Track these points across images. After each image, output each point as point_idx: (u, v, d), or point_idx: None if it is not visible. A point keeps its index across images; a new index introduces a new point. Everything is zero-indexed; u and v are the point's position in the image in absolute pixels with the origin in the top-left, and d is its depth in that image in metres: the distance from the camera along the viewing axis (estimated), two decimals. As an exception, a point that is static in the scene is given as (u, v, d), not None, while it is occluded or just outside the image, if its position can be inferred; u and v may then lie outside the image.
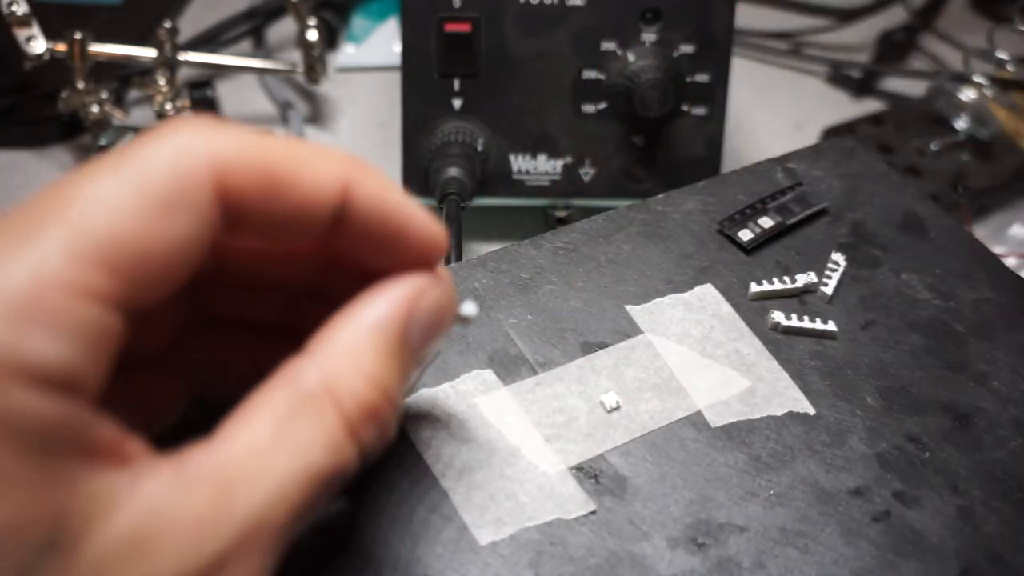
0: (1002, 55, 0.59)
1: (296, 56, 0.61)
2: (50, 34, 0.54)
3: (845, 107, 0.66)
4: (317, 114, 0.65)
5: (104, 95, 0.55)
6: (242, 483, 0.19)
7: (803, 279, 0.35)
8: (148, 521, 0.18)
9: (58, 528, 0.17)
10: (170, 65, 0.57)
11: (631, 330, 0.33)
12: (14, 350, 0.17)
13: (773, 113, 0.66)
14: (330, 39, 0.69)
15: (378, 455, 0.22)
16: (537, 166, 0.51)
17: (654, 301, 0.34)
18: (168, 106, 0.56)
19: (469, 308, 0.26)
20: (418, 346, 0.23)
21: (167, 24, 0.57)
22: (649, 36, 0.49)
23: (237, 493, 0.19)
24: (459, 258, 0.41)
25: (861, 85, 0.67)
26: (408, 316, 0.23)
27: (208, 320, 0.26)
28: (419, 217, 0.24)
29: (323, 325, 0.22)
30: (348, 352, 0.21)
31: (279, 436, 0.20)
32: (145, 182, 0.19)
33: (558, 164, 0.51)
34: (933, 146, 0.58)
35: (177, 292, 0.21)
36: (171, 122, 0.20)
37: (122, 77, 0.63)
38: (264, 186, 0.21)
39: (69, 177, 0.19)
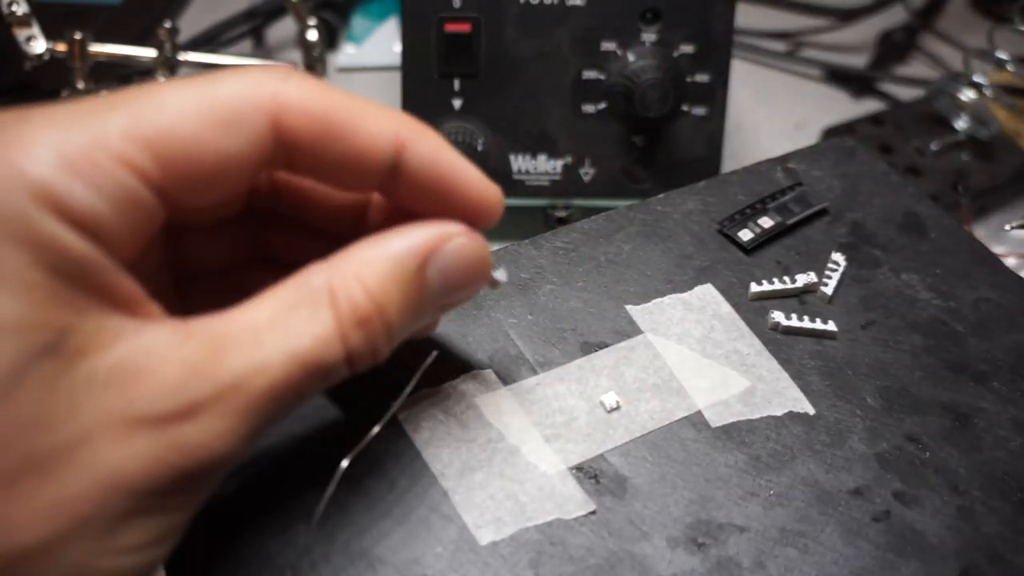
0: (1002, 55, 0.59)
1: (296, 56, 0.61)
2: (50, 34, 0.54)
3: (845, 107, 0.66)
4: (317, 114, 0.65)
5: (104, 95, 0.55)
6: (232, 348, 0.21)
7: (803, 279, 0.35)
8: (140, 359, 0.20)
9: (60, 341, 0.19)
10: (170, 65, 0.57)
11: (631, 330, 0.33)
12: (53, 186, 0.19)
13: (773, 113, 0.66)
14: (330, 39, 0.69)
15: (366, 370, 0.23)
16: (537, 166, 0.51)
17: (654, 301, 0.34)
18: (168, 106, 0.56)
19: (500, 274, 0.27)
20: (436, 287, 0.24)
21: (167, 24, 0.57)
22: (649, 36, 0.49)
23: (225, 355, 0.21)
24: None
25: (861, 85, 0.67)
26: (428, 253, 0.24)
27: (268, 257, 0.29)
28: (472, 177, 0.25)
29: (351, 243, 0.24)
30: (359, 266, 0.23)
31: (275, 318, 0.22)
32: (207, 98, 0.21)
33: (558, 164, 0.51)
34: (933, 146, 0.58)
35: (225, 208, 0.24)
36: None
37: (122, 77, 0.63)
38: (321, 130, 0.23)
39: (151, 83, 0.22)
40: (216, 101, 0.21)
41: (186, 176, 0.21)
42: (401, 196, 0.25)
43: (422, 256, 0.24)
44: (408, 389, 0.28)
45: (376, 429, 0.27)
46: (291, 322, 0.22)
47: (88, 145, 0.20)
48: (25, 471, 0.19)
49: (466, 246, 0.25)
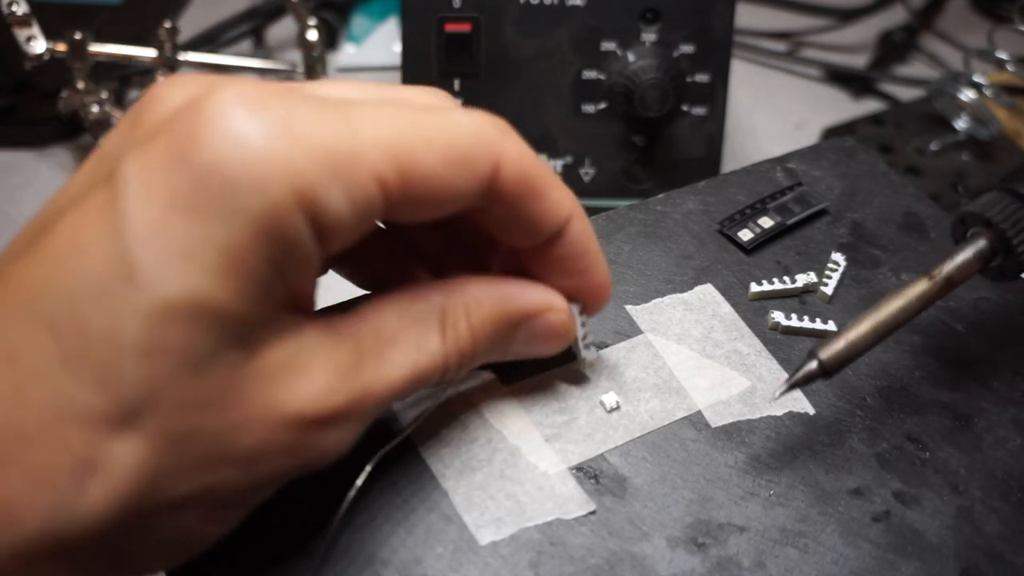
0: (1002, 55, 0.59)
1: (296, 56, 0.61)
2: (50, 34, 0.54)
3: (845, 107, 0.66)
4: (317, 114, 0.65)
5: (104, 95, 0.55)
6: (367, 356, 0.23)
7: (803, 279, 0.35)
8: (301, 358, 0.22)
9: (251, 334, 0.21)
10: (170, 65, 0.57)
11: (631, 330, 0.33)
12: (317, 189, 0.20)
13: (773, 113, 0.66)
14: (330, 39, 0.69)
15: (454, 382, 0.27)
16: (537, 166, 0.51)
17: (654, 301, 0.34)
18: (168, 106, 0.56)
19: (589, 353, 0.30)
20: (516, 344, 0.27)
21: (167, 24, 0.57)
22: (649, 36, 0.49)
23: (363, 363, 0.23)
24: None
25: (861, 85, 0.67)
26: (530, 316, 0.27)
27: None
28: (602, 268, 0.27)
29: (470, 273, 0.26)
30: (470, 301, 0.25)
31: (398, 331, 0.24)
32: (449, 133, 0.23)
33: (558, 164, 0.51)
34: (933, 146, 0.58)
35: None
36: (476, 113, 0.24)
37: (122, 77, 0.63)
38: (521, 188, 0.24)
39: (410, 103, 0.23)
40: (456, 139, 0.23)
41: (413, 200, 0.22)
42: (535, 253, 0.27)
43: (523, 316, 0.27)
44: (421, 418, 0.28)
45: (385, 449, 0.27)
46: (410, 338, 0.24)
47: (353, 153, 0.21)
48: (186, 440, 0.20)
49: (559, 323, 0.27)
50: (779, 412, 0.31)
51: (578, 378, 0.31)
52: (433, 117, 0.23)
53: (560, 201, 0.25)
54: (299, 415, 0.22)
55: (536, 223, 0.25)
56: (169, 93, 0.22)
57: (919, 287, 0.28)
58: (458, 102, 0.26)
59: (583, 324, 0.29)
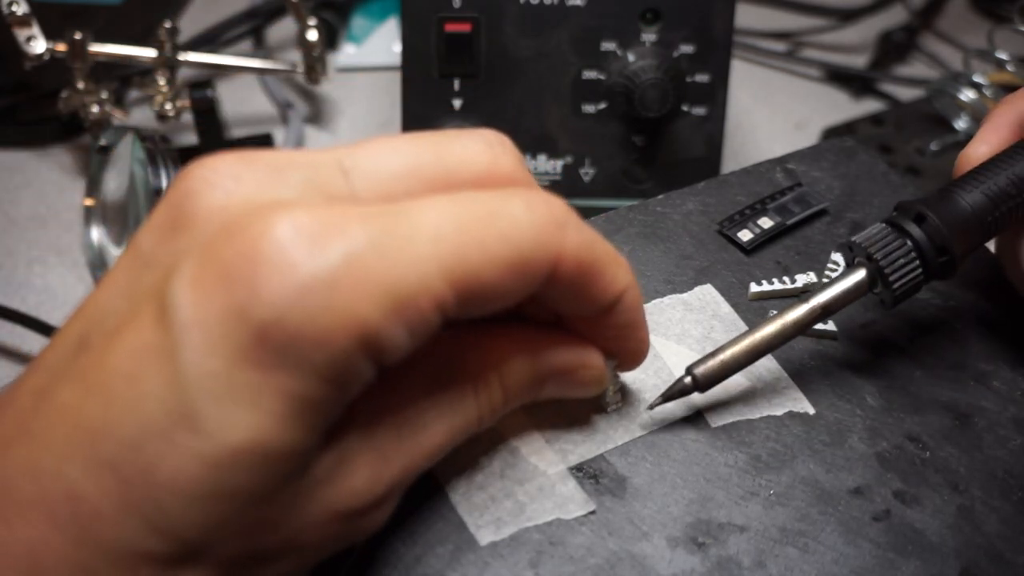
0: (1002, 55, 0.59)
1: (296, 56, 0.61)
2: (50, 34, 0.54)
3: (845, 107, 0.66)
4: (317, 114, 0.65)
5: (104, 95, 0.55)
6: (407, 433, 0.23)
7: (803, 279, 0.35)
8: (347, 453, 0.22)
9: (305, 465, 0.21)
10: (170, 65, 0.57)
11: (631, 330, 0.33)
12: (381, 333, 0.20)
13: (773, 113, 0.66)
14: (330, 39, 0.69)
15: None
16: (537, 166, 0.51)
17: (654, 301, 0.34)
18: (168, 106, 0.56)
19: (613, 401, 0.29)
20: (550, 389, 0.27)
21: (167, 24, 0.57)
22: (649, 36, 0.49)
23: (403, 441, 0.23)
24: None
25: (861, 85, 0.67)
26: (563, 374, 0.27)
27: None
28: (643, 332, 0.27)
29: (505, 322, 0.26)
30: (506, 367, 0.25)
31: (436, 403, 0.24)
32: (508, 244, 0.22)
33: (558, 164, 0.51)
34: (933, 146, 0.58)
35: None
36: (544, 201, 0.23)
37: (122, 77, 0.63)
38: (578, 276, 0.24)
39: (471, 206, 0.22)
40: (515, 246, 0.22)
41: (467, 309, 0.22)
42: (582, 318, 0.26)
43: (558, 373, 0.26)
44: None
45: None
46: (445, 405, 0.24)
47: (416, 287, 0.20)
48: (247, 558, 0.22)
49: (592, 378, 0.27)
50: (779, 412, 0.31)
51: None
52: (492, 221, 0.22)
53: (615, 277, 0.25)
54: (348, 510, 0.22)
55: (590, 301, 0.25)
56: (208, 188, 0.21)
57: (796, 313, 0.30)
58: (514, 149, 0.26)
59: (615, 377, 0.29)
